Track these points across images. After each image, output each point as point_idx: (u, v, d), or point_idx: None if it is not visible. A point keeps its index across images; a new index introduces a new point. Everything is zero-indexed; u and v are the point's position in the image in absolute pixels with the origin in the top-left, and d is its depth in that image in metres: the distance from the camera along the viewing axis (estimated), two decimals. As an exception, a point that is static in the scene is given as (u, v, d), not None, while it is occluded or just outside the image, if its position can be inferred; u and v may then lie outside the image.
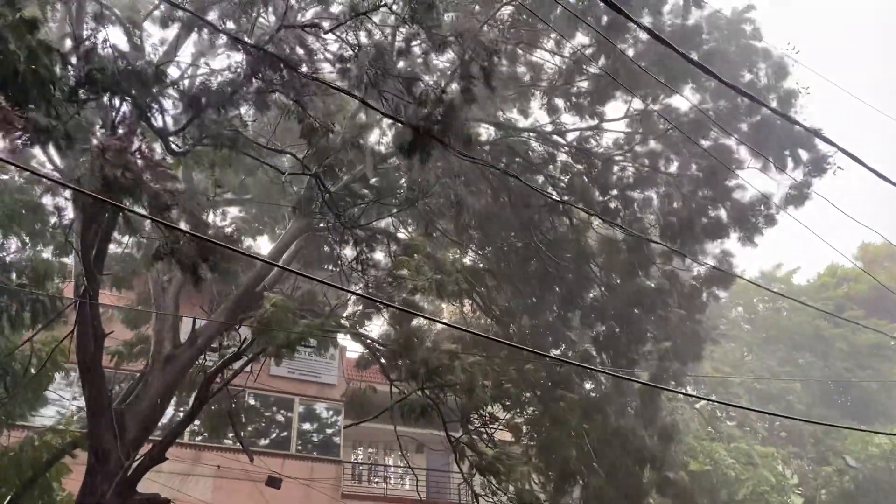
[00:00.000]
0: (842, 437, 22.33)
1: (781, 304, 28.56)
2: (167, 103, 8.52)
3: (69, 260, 11.36)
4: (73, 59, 7.37)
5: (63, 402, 13.12)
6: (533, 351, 11.67)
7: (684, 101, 12.69)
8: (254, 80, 8.52)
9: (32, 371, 10.26)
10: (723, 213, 13.41)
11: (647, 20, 11.87)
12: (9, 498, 10.04)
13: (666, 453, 14.35)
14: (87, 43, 7.34)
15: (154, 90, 7.63)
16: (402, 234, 14.55)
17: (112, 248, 13.20)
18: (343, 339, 17.50)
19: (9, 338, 10.08)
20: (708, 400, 20.70)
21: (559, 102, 13.38)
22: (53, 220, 10.81)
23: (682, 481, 16.21)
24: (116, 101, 7.52)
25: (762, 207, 13.18)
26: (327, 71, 9.52)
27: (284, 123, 12.06)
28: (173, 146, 9.16)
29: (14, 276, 10.02)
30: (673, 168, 13.78)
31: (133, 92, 7.38)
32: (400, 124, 7.84)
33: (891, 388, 27.17)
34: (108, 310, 15.51)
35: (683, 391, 16.09)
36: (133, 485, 9.89)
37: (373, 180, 12.69)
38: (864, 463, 20.81)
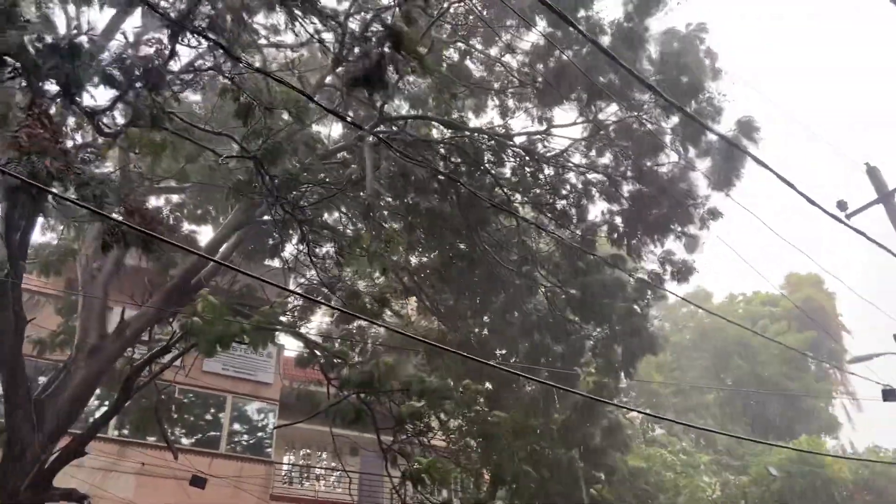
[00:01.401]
0: (756, 447, 23.19)
1: (705, 318, 29.55)
2: (95, 81, 8.05)
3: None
4: None
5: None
6: (475, 359, 11.58)
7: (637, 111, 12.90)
8: (182, 57, 8.20)
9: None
10: (665, 214, 13.64)
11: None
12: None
13: (609, 448, 14.59)
14: None
15: (77, 67, 7.17)
16: (350, 232, 14.32)
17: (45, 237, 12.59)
18: (282, 337, 17.09)
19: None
20: (647, 414, 21.17)
21: (511, 104, 13.44)
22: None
23: (623, 471, 16.53)
24: (34, 80, 7.03)
25: (700, 212, 13.52)
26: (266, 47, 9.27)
27: (229, 109, 11.74)
28: (104, 127, 8.73)
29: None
30: (622, 176, 13.99)
31: (53, 69, 6.92)
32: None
33: (801, 412, 28.62)
34: (35, 297, 14.74)
35: (616, 403, 16.36)
36: (49, 479, 9.37)
37: (321, 175, 12.43)
38: (781, 470, 21.68)
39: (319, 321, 15.24)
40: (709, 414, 25.04)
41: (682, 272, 14.46)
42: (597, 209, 15.23)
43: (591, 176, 13.95)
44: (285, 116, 9.86)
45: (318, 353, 13.86)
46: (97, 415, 12.96)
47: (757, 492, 21.63)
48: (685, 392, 25.43)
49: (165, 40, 8.21)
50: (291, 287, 15.00)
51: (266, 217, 11.86)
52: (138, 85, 7.72)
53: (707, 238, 14.20)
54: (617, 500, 18.27)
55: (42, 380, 11.77)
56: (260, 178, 9.38)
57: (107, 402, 13.37)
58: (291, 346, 21.71)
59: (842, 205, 12.10)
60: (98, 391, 12.76)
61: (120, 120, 9.22)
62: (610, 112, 13.52)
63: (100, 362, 10.66)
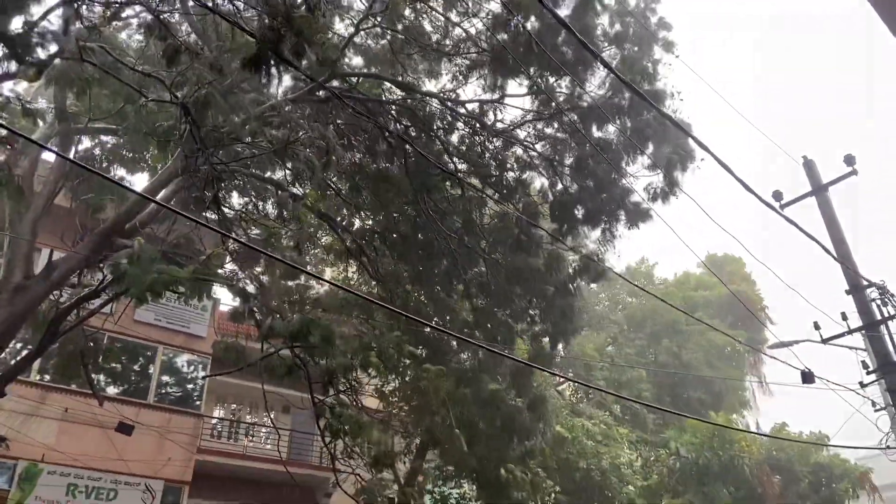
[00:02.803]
0: (679, 427, 24.27)
1: (644, 299, 30.38)
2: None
3: None
4: None
5: None
6: (414, 318, 11.69)
7: (583, 85, 13.01)
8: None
9: None
10: (602, 204, 13.89)
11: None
12: None
13: (535, 423, 14.97)
14: None
15: None
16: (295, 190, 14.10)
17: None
18: (218, 289, 16.80)
19: None
20: (575, 381, 21.72)
21: (464, 71, 13.36)
22: None
23: (544, 451, 17.00)
24: None
25: (638, 200, 13.83)
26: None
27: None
28: (28, 58, 8.30)
29: None
30: (567, 152, 14.13)
31: None
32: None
33: (724, 391, 29.99)
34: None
35: (552, 371, 16.76)
36: (-37, 419, 9.08)
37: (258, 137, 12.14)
38: (688, 449, 22.87)
39: (257, 275, 15.00)
40: (639, 390, 25.96)
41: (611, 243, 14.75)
42: (539, 186, 15.40)
43: (537, 147, 14.05)
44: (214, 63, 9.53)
45: (254, 308, 13.71)
46: (20, 357, 12.60)
47: (672, 465, 22.79)
48: (618, 369, 26.26)
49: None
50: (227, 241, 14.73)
51: (200, 168, 11.53)
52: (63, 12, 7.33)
53: (646, 219, 14.49)
54: (535, 473, 18.87)
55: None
56: (188, 127, 9.08)
57: (30, 346, 12.96)
58: (227, 301, 21.46)
59: (777, 195, 12.58)
60: (21, 334, 12.37)
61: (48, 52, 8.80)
62: (563, 86, 13.59)
63: (24, 302, 10.29)
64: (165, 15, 8.46)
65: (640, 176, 13.96)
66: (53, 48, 8.12)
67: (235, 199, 14.36)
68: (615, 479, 19.31)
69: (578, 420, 20.16)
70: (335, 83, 12.14)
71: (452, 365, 16.04)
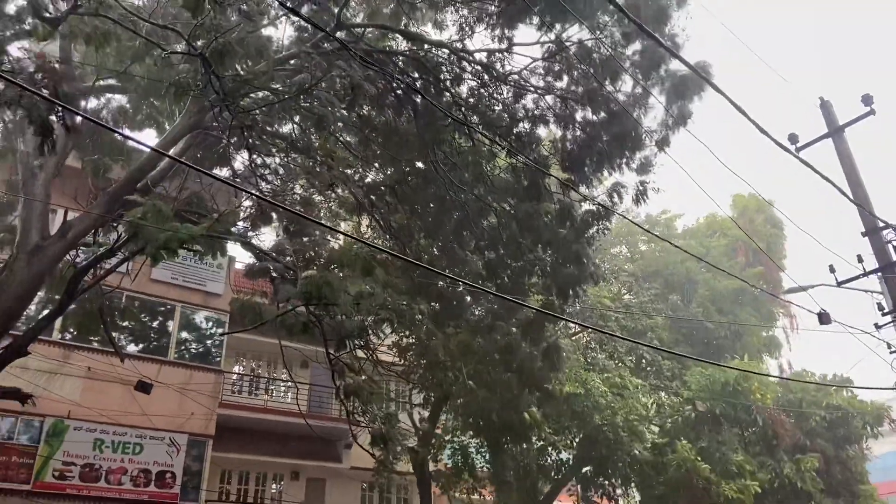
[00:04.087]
0: (696, 373, 24.35)
1: (662, 246, 30.13)
2: None
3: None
4: None
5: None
6: (428, 268, 11.70)
7: (595, 32, 12.71)
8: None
9: None
10: (616, 136, 13.68)
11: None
12: None
13: (547, 371, 15.11)
14: None
15: None
16: (301, 143, 14.02)
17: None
18: (233, 247, 16.95)
19: None
20: (587, 328, 21.79)
21: (471, 21, 13.09)
22: None
23: (558, 395, 17.22)
24: None
25: (649, 138, 13.62)
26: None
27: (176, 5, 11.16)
28: (45, 13, 8.25)
29: None
30: (579, 104, 13.89)
31: None
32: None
33: (743, 333, 29.82)
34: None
35: (567, 318, 16.84)
36: (-11, 377, 9.31)
37: (274, 84, 12.02)
38: (701, 395, 22.96)
39: (271, 233, 15.08)
40: (656, 336, 25.97)
41: (640, 194, 14.62)
42: (551, 139, 15.21)
43: (547, 99, 13.83)
44: (235, 15, 9.42)
45: (268, 264, 13.80)
46: (40, 317, 12.82)
47: (688, 415, 22.96)
48: (634, 318, 26.25)
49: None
50: (240, 198, 14.79)
51: (215, 123, 11.50)
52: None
53: (660, 168, 14.35)
54: (552, 421, 19.14)
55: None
56: (207, 79, 9.02)
57: (50, 306, 13.18)
58: (242, 259, 21.62)
59: (793, 137, 12.34)
60: (41, 294, 12.57)
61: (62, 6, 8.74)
62: (572, 33, 13.30)
63: (42, 263, 10.43)
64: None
65: (651, 119, 13.71)
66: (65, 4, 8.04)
67: (242, 157, 14.31)
68: (626, 434, 19.54)
69: (591, 375, 20.32)
70: (341, 35, 11.96)
71: (466, 317, 16.15)
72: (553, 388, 16.23)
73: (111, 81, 12.65)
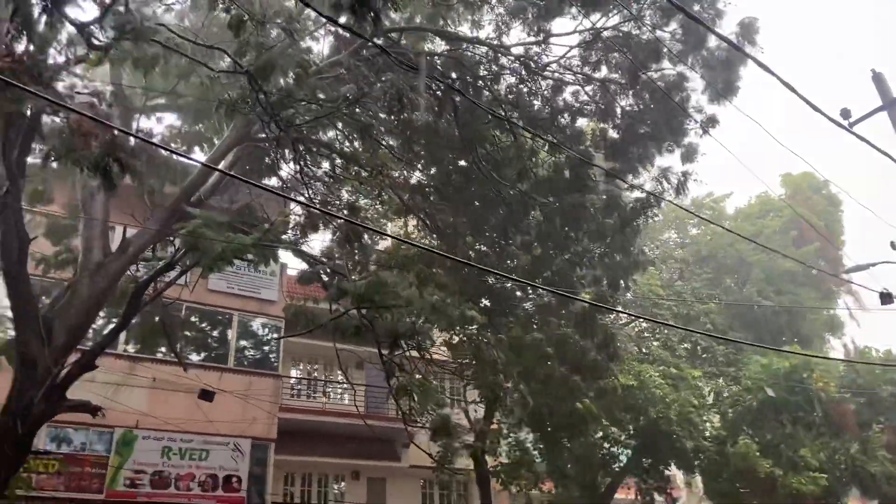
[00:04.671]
0: (753, 358, 23.74)
1: (713, 229, 29.48)
2: None
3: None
4: None
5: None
6: (476, 265, 11.77)
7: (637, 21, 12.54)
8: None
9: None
10: (660, 122, 13.46)
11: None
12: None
13: (605, 363, 14.98)
14: None
15: None
16: (347, 149, 14.23)
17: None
18: (284, 254, 17.29)
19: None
20: (646, 319, 21.53)
21: (506, 18, 13.06)
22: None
23: (615, 388, 17.05)
24: None
25: (694, 121, 13.36)
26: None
27: (217, 24, 11.46)
28: (94, 40, 8.58)
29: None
30: (620, 92, 13.73)
31: None
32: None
33: (803, 313, 28.91)
34: (33, 218, 14.86)
35: (618, 309, 16.68)
36: (62, 391, 9.74)
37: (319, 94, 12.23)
38: (762, 383, 22.31)
39: (320, 239, 15.38)
40: (710, 322, 25.45)
41: (681, 184, 14.43)
42: (592, 130, 15.06)
43: (587, 89, 13.71)
44: (276, 32, 9.62)
45: (319, 270, 14.06)
46: (106, 331, 13.33)
47: (748, 399, 22.43)
48: (686, 304, 25.76)
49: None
50: (289, 206, 15.06)
51: (262, 135, 11.77)
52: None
53: (705, 148, 14.09)
54: (605, 414, 18.95)
55: (46, 298, 12.00)
56: (253, 94, 9.26)
57: (113, 319, 13.68)
58: (294, 266, 22.02)
59: (845, 112, 11.91)
60: (105, 309, 13.06)
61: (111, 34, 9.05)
62: (609, 21, 13.14)
63: (104, 279, 10.86)
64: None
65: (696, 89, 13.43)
66: (116, 31, 8.34)
67: (288, 167, 14.59)
68: (680, 429, 19.25)
69: (644, 367, 20.06)
70: (378, 40, 12.08)
71: (517, 312, 16.13)
72: (609, 381, 16.05)
73: (160, 101, 13.04)
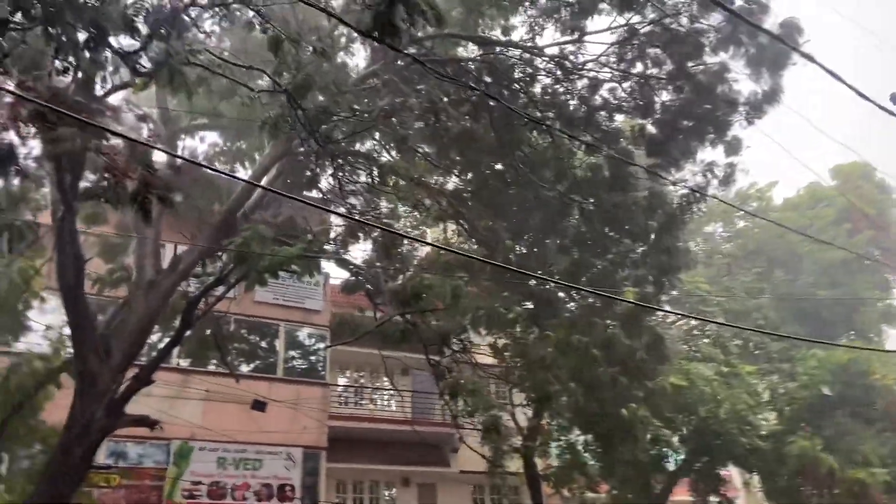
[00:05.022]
0: (809, 353, 23.05)
1: (760, 221, 28.75)
2: (120, 26, 8.11)
3: (45, 189, 11.15)
4: None
5: (45, 327, 13.13)
6: (517, 270, 11.77)
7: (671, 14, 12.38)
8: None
9: (10, 297, 10.20)
10: (701, 118, 13.26)
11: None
12: (-1, 421, 10.20)
13: (653, 364, 14.78)
14: None
15: (100, 14, 7.19)
16: (384, 158, 14.39)
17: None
18: (327, 264, 17.56)
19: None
20: (686, 316, 21.14)
21: (540, 17, 13.04)
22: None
23: (665, 391, 16.78)
24: (60, 28, 7.07)
25: (741, 108, 13.13)
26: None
27: (254, 44, 11.73)
28: (139, 67, 8.87)
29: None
30: (658, 86, 13.55)
31: (74, 16, 6.96)
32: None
33: (858, 305, 27.99)
34: (87, 238, 15.39)
35: (663, 308, 16.43)
36: (121, 406, 10.06)
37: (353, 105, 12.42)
38: (819, 378, 21.64)
39: (362, 249, 15.57)
40: (761, 316, 24.80)
41: (728, 177, 14.19)
42: (631, 127, 14.88)
43: (625, 85, 13.58)
44: (311, 48, 9.81)
45: (362, 278, 14.25)
46: (160, 346, 13.72)
47: (803, 395, 21.78)
48: (736, 300, 25.16)
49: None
50: (330, 218, 15.30)
51: (301, 150, 12.00)
52: (165, 26, 7.77)
53: (750, 140, 13.82)
54: (656, 415, 18.65)
55: (103, 316, 12.40)
56: (292, 111, 9.47)
57: (167, 334, 14.06)
58: (336, 275, 22.32)
59: (895, 97, 11.58)
60: (158, 324, 13.45)
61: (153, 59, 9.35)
62: (646, 15, 12.99)
63: (158, 296, 11.20)
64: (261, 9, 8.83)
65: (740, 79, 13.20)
66: (159, 56, 8.61)
67: (328, 179, 14.82)
68: (733, 427, 18.83)
69: (693, 366, 19.69)
70: (411, 49, 12.21)
71: (561, 314, 16.04)
72: (658, 383, 15.79)
73: (203, 121, 13.40)
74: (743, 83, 13.24)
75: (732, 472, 24.48)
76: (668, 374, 17.56)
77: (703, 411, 18.97)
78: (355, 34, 11.40)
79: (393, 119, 11.46)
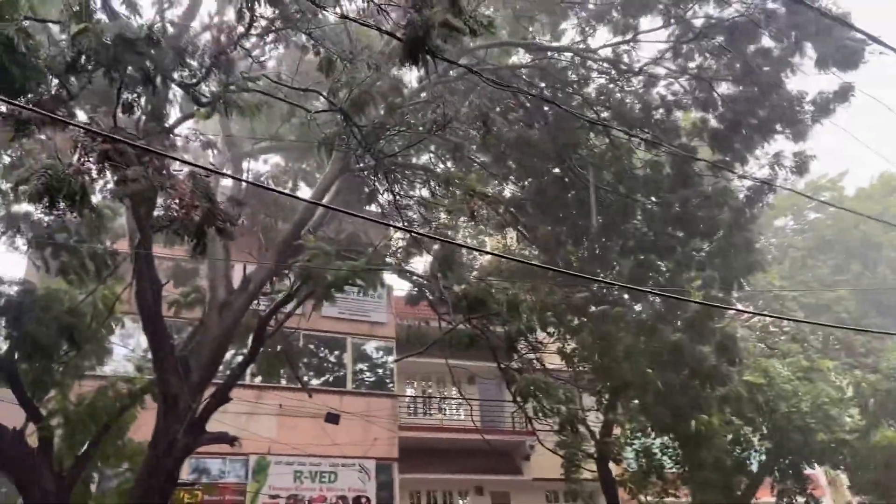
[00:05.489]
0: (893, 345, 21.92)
1: (833, 212, 27.62)
2: (177, 66, 8.45)
3: (122, 218, 11.67)
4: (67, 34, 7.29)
5: (127, 351, 13.73)
6: (577, 275, 11.64)
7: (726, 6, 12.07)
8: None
9: (95, 324, 10.69)
10: (768, 114, 12.83)
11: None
12: (87, 443, 10.68)
13: (723, 367, 14.31)
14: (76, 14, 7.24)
15: (157, 57, 7.51)
16: (440, 170, 14.49)
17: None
18: (390, 277, 17.76)
19: (69, 293, 10.53)
20: (760, 314, 20.46)
21: (591, 19, 12.90)
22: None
23: (740, 396, 16.22)
24: (121, 70, 7.41)
25: (810, 105, 12.64)
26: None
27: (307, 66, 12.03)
28: (200, 97, 9.22)
29: (69, 234, 10.38)
30: (716, 77, 13.20)
31: (134, 58, 7.28)
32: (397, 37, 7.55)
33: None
34: (162, 262, 16.03)
35: (736, 307, 15.90)
36: (202, 424, 10.41)
37: (406, 117, 12.56)
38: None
39: (423, 260, 15.68)
40: (843, 309, 23.75)
41: (800, 166, 13.67)
42: (692, 121, 14.55)
43: (682, 82, 13.29)
44: (364, 65, 9.99)
45: (424, 288, 14.35)
46: (235, 364, 14.15)
47: (888, 387, 20.75)
48: (813, 294, 24.19)
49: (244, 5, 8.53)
50: (390, 231, 15.49)
51: (359, 166, 12.22)
52: (221, 59, 8.08)
53: (817, 129, 13.27)
54: (736, 414, 18.01)
55: (180, 337, 12.89)
56: (348, 129, 9.67)
57: (241, 352, 14.48)
58: (400, 286, 22.57)
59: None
60: (232, 343, 13.87)
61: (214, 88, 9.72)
62: (702, 9, 12.69)
63: (231, 316, 11.56)
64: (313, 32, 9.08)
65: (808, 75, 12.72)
66: (221, 87, 8.95)
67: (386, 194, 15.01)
68: (815, 423, 18.03)
69: (772, 363, 18.97)
70: (463, 59, 12.29)
71: (627, 318, 15.75)
72: (732, 388, 15.23)
73: (265, 144, 13.80)
74: (811, 79, 12.73)
75: (818, 471, 23.47)
76: (740, 380, 16.98)
77: (784, 407, 18.27)
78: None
79: (446, 129, 11.53)
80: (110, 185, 7.95)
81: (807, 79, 12.84)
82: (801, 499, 20.99)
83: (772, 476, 20.92)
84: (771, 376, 18.26)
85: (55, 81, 7.46)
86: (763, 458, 20.49)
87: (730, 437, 19.29)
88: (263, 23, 9.12)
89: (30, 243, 10.35)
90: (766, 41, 12.62)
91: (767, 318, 21.95)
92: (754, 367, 18.31)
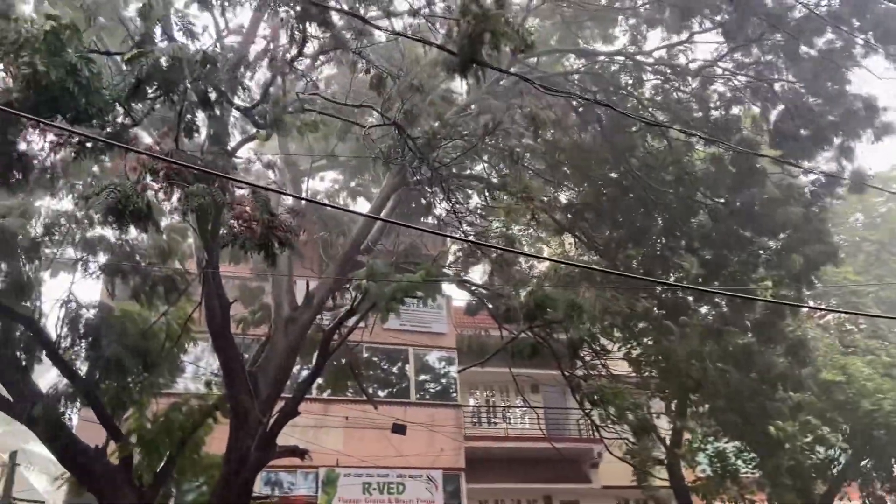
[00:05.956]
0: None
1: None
2: (234, 89, 8.70)
3: (190, 239, 12.06)
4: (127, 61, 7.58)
5: (199, 369, 14.14)
6: (638, 277, 11.43)
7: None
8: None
9: (168, 344, 11.03)
10: (832, 118, 12.37)
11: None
12: (166, 458, 11.03)
13: (795, 371, 13.76)
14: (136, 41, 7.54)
15: (214, 80, 7.74)
16: (495, 178, 14.48)
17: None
18: (449, 287, 17.81)
19: (142, 314, 10.93)
20: (832, 311, 19.64)
21: (642, 23, 12.71)
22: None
23: (814, 402, 15.59)
24: (178, 93, 7.66)
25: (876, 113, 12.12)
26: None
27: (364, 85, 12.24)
28: (258, 119, 9.48)
29: (139, 258, 10.80)
30: (778, 74, 12.82)
31: (194, 82, 7.52)
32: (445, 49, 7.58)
33: None
34: (229, 281, 16.46)
35: (807, 304, 15.29)
36: (273, 438, 10.64)
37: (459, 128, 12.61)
38: None
39: (481, 270, 15.67)
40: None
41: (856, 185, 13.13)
42: (753, 117, 14.12)
43: (739, 79, 12.93)
44: (410, 83, 10.10)
45: (484, 297, 14.34)
46: (301, 378, 14.41)
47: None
48: (892, 288, 23.00)
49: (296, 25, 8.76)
50: (448, 241, 15.55)
51: (415, 178, 12.31)
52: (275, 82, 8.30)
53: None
54: (815, 414, 17.30)
55: (248, 354, 13.19)
56: (403, 142, 9.78)
57: (307, 367, 14.74)
58: (459, 296, 22.59)
59: None
60: (298, 358, 14.13)
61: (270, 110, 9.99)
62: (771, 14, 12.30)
63: (296, 332, 11.79)
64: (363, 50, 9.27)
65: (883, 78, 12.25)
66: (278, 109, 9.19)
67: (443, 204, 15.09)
68: None
69: (851, 359, 18.16)
70: (513, 68, 12.27)
71: (692, 321, 15.37)
72: (803, 396, 14.63)
73: (322, 162, 14.09)
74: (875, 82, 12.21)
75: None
76: (819, 373, 16.30)
77: (866, 405, 17.49)
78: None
79: (498, 135, 11.51)
80: (176, 205, 8.30)
81: (870, 79, 12.25)
82: (893, 498, 20.05)
83: (853, 477, 20.04)
84: (850, 374, 17.51)
85: (120, 109, 7.79)
86: (843, 458, 19.65)
87: (809, 437, 18.56)
88: (315, 43, 9.35)
89: (103, 269, 10.77)
90: (829, 37, 12.17)
91: (843, 315, 21.05)
92: (831, 364, 17.59)
